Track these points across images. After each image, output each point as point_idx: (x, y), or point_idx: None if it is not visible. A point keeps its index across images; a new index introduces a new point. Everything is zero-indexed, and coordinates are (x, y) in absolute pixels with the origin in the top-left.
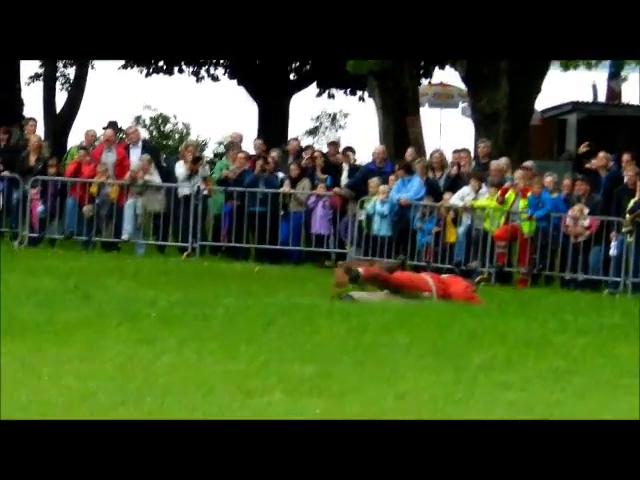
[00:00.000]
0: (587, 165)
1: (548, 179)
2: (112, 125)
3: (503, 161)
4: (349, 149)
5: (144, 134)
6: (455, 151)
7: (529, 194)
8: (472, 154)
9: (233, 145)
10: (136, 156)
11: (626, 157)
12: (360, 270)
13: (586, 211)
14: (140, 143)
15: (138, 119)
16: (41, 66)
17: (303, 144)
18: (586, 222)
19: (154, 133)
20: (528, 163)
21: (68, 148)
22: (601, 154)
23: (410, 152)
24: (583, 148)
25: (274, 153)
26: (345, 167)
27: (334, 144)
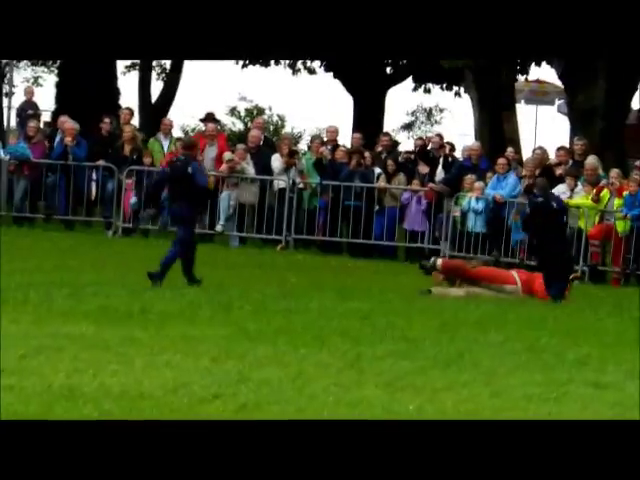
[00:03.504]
0: None
1: None
2: (211, 118)
3: (593, 159)
4: (448, 143)
5: (239, 125)
6: (558, 149)
7: (625, 193)
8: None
9: (316, 137)
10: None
11: None
12: (438, 261)
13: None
14: (250, 133)
15: (233, 110)
16: None
17: (398, 139)
18: None
19: (249, 124)
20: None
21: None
22: None
23: (510, 150)
24: None
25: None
26: (440, 161)
27: (439, 136)
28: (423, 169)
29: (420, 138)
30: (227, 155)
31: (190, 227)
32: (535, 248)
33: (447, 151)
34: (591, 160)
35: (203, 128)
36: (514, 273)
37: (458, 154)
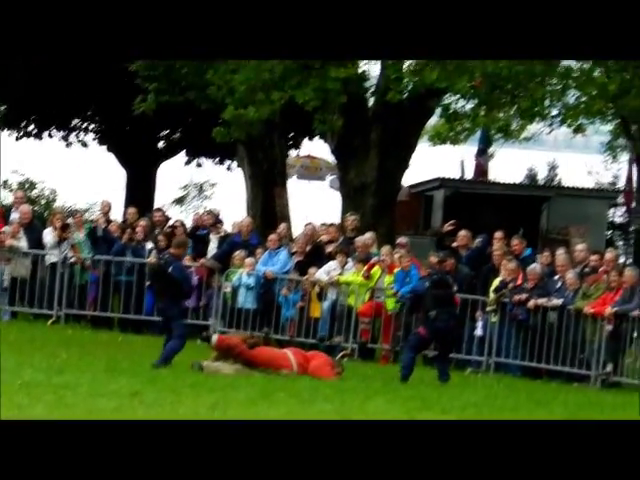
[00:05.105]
0: (450, 243)
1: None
2: None
3: (368, 236)
4: (217, 220)
5: (11, 198)
6: (323, 224)
7: (396, 270)
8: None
9: (75, 212)
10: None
11: (498, 234)
12: (214, 336)
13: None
14: (21, 208)
15: (5, 183)
16: None
17: (169, 213)
18: None
19: None
20: (403, 239)
21: None
22: (462, 232)
23: (283, 226)
24: (448, 227)
25: (143, 222)
26: (213, 238)
27: (211, 213)
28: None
29: (197, 213)
30: (4, 229)
31: (182, 320)
32: (431, 321)
33: (220, 232)
34: (362, 237)
35: None
36: (290, 354)
37: (229, 229)
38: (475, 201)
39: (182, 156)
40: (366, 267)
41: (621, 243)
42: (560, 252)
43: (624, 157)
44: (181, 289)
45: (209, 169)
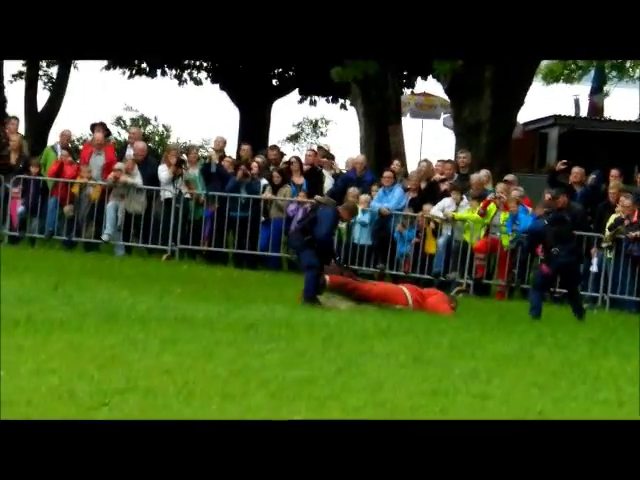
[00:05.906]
0: (563, 181)
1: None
2: (101, 126)
3: (483, 173)
4: (330, 156)
5: (124, 135)
6: (439, 161)
7: (509, 212)
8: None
9: (192, 148)
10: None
11: (614, 172)
12: (326, 277)
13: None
14: (136, 145)
15: (119, 120)
16: (24, 64)
17: (284, 150)
18: None
19: None
20: (510, 176)
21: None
22: (575, 169)
23: (397, 163)
24: (560, 165)
25: (258, 159)
26: (327, 174)
27: (322, 149)
28: (298, 180)
29: (311, 149)
30: (118, 165)
31: (305, 252)
32: (554, 258)
33: (335, 169)
34: (477, 174)
35: (89, 137)
36: (405, 290)
37: (343, 166)
38: (590, 139)
39: (295, 94)
40: (482, 204)
41: None
42: None
43: None
44: (315, 228)
45: (323, 107)
